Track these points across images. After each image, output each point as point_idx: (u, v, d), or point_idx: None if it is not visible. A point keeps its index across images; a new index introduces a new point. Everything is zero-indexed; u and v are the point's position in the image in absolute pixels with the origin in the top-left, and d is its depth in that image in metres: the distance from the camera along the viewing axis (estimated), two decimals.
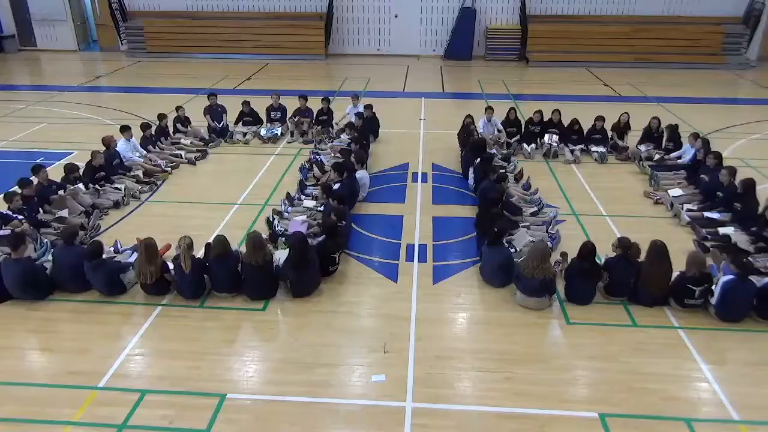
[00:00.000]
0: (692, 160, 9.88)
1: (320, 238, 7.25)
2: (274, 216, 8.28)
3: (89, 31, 23.07)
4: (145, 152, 10.52)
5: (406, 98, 15.00)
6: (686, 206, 8.60)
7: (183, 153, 10.87)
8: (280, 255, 7.12)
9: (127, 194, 9.05)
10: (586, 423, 5.01)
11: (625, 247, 6.55)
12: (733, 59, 19.53)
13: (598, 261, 6.72)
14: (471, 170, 9.55)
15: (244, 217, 8.60)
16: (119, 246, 7.55)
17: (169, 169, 10.25)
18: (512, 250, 7.17)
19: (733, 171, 8.58)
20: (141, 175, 9.84)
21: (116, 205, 8.86)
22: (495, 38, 20.51)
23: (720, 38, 19.66)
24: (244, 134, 11.85)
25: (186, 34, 20.59)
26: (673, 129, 10.72)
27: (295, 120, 11.98)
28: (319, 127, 11.93)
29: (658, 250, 6.43)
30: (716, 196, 8.56)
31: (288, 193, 9.04)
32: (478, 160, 9.42)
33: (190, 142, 11.31)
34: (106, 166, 9.36)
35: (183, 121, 11.80)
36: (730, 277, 6.27)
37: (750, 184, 8.20)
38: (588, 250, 6.51)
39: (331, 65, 20.10)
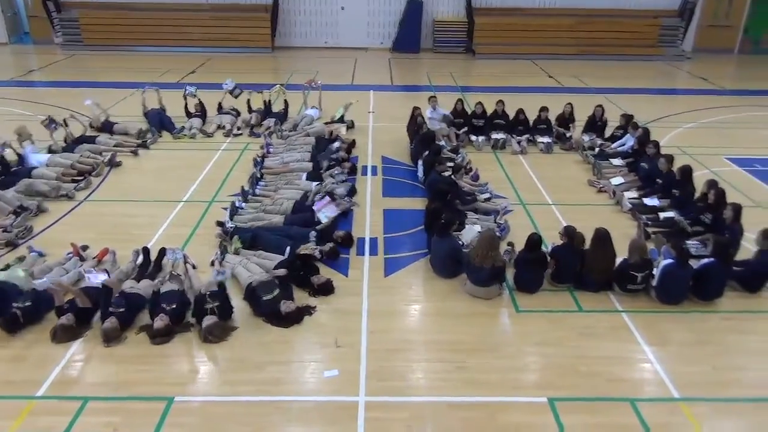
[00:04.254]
0: (632, 148, 10.20)
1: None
2: (231, 212, 8.06)
3: (20, 22, 21.91)
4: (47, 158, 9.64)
5: (355, 91, 14.90)
6: (627, 194, 8.86)
7: (108, 155, 10.06)
8: (231, 260, 6.99)
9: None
10: (535, 408, 5.11)
11: (571, 235, 6.71)
12: (670, 51, 20.26)
13: (544, 248, 6.87)
14: (420, 163, 9.58)
15: (190, 215, 8.37)
16: (33, 248, 7.19)
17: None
18: (461, 243, 7.23)
19: (670, 159, 8.92)
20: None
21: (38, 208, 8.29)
22: (442, 31, 20.62)
23: (657, 31, 20.35)
24: (190, 129, 11.54)
25: (125, 26, 19.81)
26: (628, 119, 10.91)
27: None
28: (273, 120, 11.74)
29: (602, 237, 6.61)
30: (655, 182, 8.87)
31: (242, 187, 8.86)
32: (426, 152, 9.47)
33: (115, 144, 10.62)
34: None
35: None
36: (670, 261, 6.50)
37: (687, 171, 8.53)
38: (534, 241, 6.64)
39: (278, 58, 19.78)
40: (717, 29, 21.21)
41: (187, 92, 12.10)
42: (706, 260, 6.60)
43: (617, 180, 9.29)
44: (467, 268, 6.63)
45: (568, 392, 5.27)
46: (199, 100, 12.08)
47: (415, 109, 11.15)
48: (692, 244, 7.31)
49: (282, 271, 6.51)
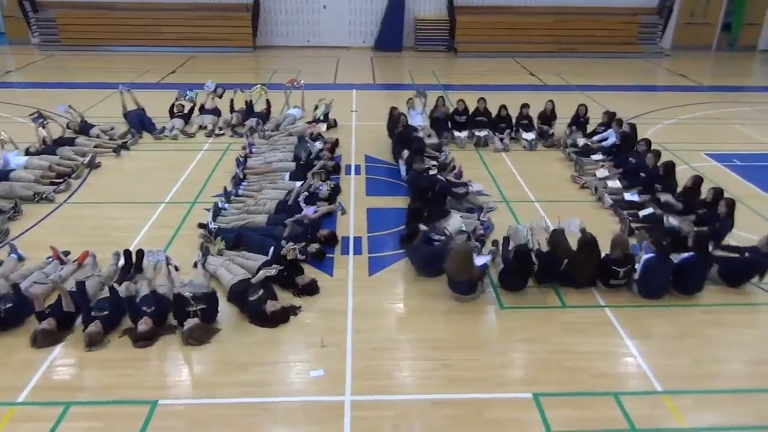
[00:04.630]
0: (614, 144, 10.30)
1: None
2: (214, 213, 7.98)
3: None
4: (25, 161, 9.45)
5: (338, 90, 14.87)
6: (610, 183, 9.05)
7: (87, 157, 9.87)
8: (214, 263, 6.93)
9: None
10: (521, 404, 5.14)
11: (555, 244, 6.74)
12: (649, 48, 20.49)
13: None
14: (401, 161, 9.59)
15: (172, 216, 8.29)
16: (17, 249, 7.09)
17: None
18: (446, 235, 7.25)
19: (658, 154, 9.12)
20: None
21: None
22: (424, 29, 20.64)
23: (636, 28, 20.56)
24: (171, 129, 11.43)
25: (103, 26, 19.56)
26: (611, 116, 11.00)
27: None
28: (256, 120, 11.67)
29: (588, 242, 6.64)
30: (638, 176, 9.02)
31: (225, 188, 8.80)
32: (406, 150, 9.50)
33: (95, 146, 10.44)
34: None
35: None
36: (650, 255, 6.58)
37: (670, 166, 8.73)
38: (522, 256, 6.50)
39: (259, 57, 19.66)
40: (695, 26, 21.50)
41: (186, 97, 11.96)
42: (686, 254, 6.68)
43: (602, 172, 9.39)
44: (448, 277, 6.60)
45: (552, 387, 5.31)
46: (192, 102, 12.02)
47: (392, 108, 11.15)
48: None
49: (273, 270, 6.43)
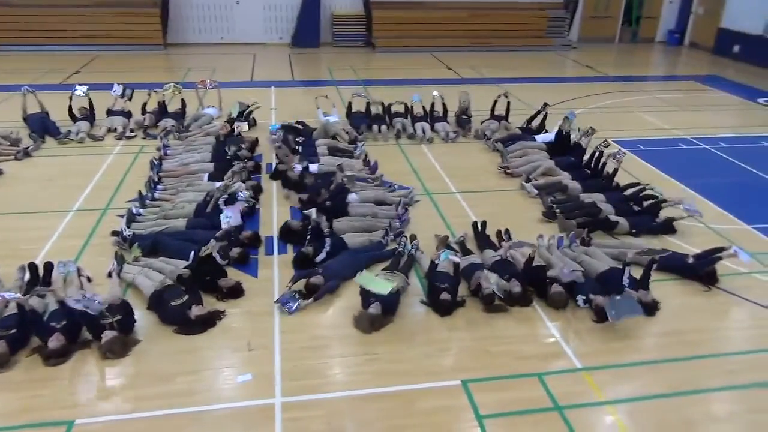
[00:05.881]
0: (555, 139, 10.59)
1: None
2: (128, 219, 7.60)
3: None
4: None
5: (255, 88, 14.57)
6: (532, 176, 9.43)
7: None
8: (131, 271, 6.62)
9: None
10: (450, 391, 5.24)
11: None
12: (558, 41, 21.36)
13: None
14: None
15: (82, 225, 7.84)
16: None
17: None
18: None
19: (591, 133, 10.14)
20: None
21: None
22: (341, 24, 20.56)
23: (545, 22, 21.37)
24: (77, 133, 10.79)
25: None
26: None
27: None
28: (172, 121, 11.21)
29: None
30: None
31: (139, 192, 8.40)
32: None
33: None
34: None
35: None
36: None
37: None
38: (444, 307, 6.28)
39: (171, 55, 18.93)
40: (599, 20, 22.62)
41: (76, 92, 11.27)
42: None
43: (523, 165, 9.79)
44: None
45: (479, 373, 5.44)
46: (89, 100, 11.33)
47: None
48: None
49: (186, 271, 6.23)
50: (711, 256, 6.97)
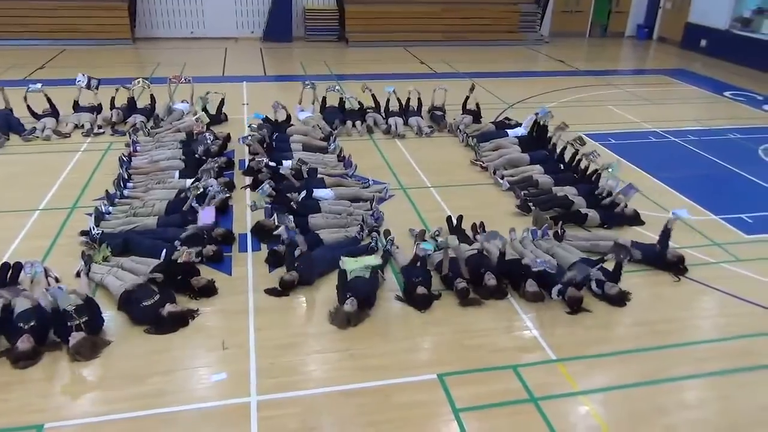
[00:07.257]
0: (529, 133, 10.71)
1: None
2: (97, 218, 7.41)
3: None
4: None
5: (227, 83, 14.35)
6: (505, 173, 9.42)
7: None
8: (99, 271, 6.47)
9: None
10: (426, 385, 5.25)
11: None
12: (530, 36, 21.53)
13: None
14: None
15: (49, 224, 7.65)
16: None
17: None
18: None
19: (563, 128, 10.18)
20: None
21: None
22: (313, 19, 20.41)
23: (517, 17, 21.52)
24: (42, 129, 10.50)
25: None
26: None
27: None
28: (141, 116, 10.98)
29: None
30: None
31: (107, 191, 8.21)
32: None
33: None
34: None
35: None
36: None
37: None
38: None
39: (140, 50, 18.56)
40: (569, 15, 22.87)
41: (29, 90, 10.91)
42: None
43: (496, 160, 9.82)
44: None
45: (455, 366, 5.46)
46: (46, 97, 10.96)
47: None
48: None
49: (159, 276, 6.14)
50: (663, 234, 7.16)
